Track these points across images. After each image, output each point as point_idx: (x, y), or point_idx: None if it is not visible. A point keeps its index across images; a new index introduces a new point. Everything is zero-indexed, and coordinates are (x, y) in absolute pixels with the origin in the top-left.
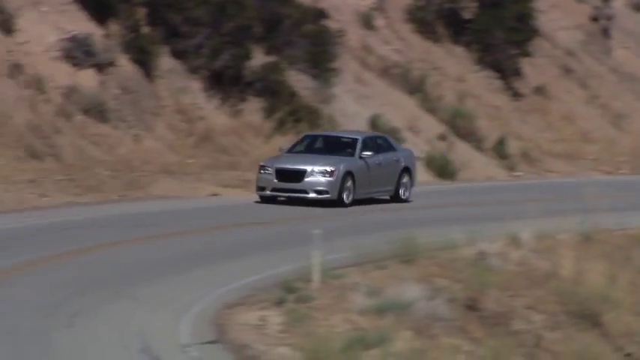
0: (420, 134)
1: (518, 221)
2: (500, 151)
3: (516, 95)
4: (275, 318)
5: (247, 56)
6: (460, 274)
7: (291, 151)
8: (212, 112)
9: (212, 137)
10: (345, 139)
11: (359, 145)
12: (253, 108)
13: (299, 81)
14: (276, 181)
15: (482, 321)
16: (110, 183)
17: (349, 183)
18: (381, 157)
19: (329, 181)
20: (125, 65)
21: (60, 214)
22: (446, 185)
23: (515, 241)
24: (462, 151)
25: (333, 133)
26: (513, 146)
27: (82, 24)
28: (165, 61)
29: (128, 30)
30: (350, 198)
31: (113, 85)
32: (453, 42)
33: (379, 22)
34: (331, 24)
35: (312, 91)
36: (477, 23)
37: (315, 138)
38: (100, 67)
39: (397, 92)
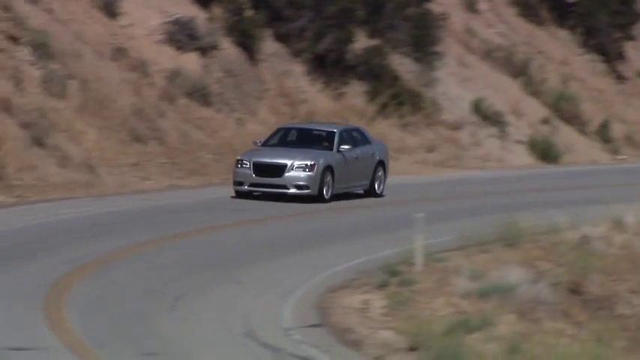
0: (523, 117)
1: (623, 205)
2: (604, 134)
3: (620, 78)
4: (378, 301)
5: (350, 39)
6: (563, 257)
7: (265, 144)
8: (315, 95)
9: (315, 120)
10: (322, 132)
11: (337, 139)
12: (356, 91)
13: (402, 64)
14: (254, 175)
15: (586, 305)
16: (213, 166)
17: (328, 178)
18: (358, 150)
19: (309, 176)
20: (228, 48)
21: (163, 197)
22: (549, 169)
23: (619, 225)
24: (565, 135)
25: (308, 126)
26: (617, 129)
27: (185, 7)
28: (269, 45)
29: (231, 13)
30: (329, 193)
31: (216, 68)
32: (557, 25)
33: (482, 5)
34: (434, 7)
35: (415, 74)
36: (580, 7)
37: (289, 131)
38: (204, 50)
39: (500, 75)
